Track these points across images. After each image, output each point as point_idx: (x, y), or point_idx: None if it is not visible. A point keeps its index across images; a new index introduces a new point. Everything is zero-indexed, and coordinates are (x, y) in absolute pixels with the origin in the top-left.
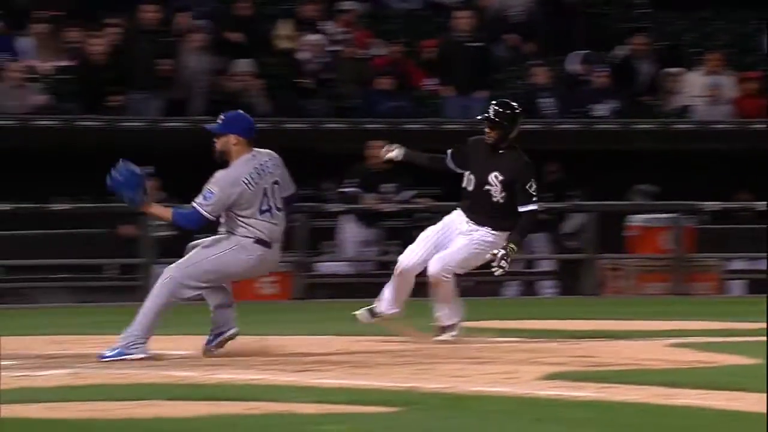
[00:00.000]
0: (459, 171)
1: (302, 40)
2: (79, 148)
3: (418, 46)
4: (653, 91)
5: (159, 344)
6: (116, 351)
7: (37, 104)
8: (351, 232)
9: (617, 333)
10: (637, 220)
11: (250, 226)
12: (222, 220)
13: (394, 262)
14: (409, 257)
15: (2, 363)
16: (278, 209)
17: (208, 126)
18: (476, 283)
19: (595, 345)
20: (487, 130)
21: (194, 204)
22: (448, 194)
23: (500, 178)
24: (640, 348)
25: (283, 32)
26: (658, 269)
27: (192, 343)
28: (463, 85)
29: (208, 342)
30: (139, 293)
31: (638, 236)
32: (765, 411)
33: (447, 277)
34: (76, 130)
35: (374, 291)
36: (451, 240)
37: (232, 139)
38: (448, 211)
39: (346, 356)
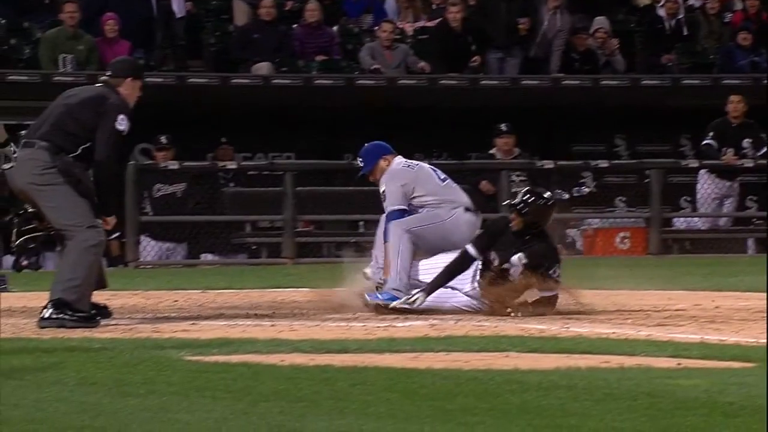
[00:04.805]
0: (482, 259)
1: None
2: (440, 108)
3: None
4: None
5: None
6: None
7: (403, 64)
8: (708, 188)
9: None
10: None
11: (441, 195)
12: (419, 207)
13: (753, 218)
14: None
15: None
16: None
17: (361, 173)
18: None
19: None
20: (512, 216)
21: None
22: None
23: (524, 261)
24: None
25: None
26: None
27: None
28: None
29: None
30: None
31: None
32: None
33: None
34: (438, 90)
35: (729, 246)
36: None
37: (382, 162)
38: None
39: (701, 311)
